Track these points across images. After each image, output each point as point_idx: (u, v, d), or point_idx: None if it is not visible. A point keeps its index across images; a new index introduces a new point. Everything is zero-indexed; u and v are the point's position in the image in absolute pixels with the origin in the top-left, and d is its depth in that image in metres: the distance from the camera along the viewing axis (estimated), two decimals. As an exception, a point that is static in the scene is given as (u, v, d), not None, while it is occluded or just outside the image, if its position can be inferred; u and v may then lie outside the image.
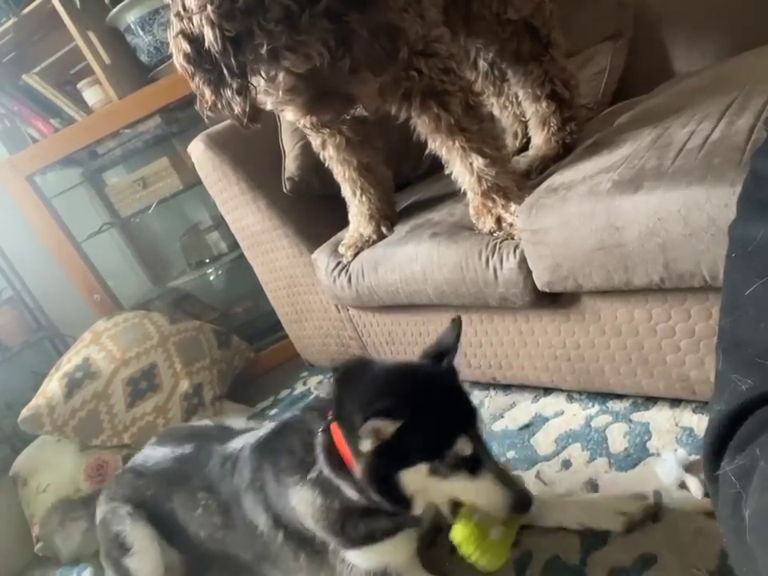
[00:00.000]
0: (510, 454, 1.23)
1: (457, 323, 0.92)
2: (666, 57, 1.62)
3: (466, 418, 0.84)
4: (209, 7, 0.86)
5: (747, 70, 1.23)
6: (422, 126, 1.18)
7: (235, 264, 2.34)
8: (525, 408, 1.35)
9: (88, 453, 1.81)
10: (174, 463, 1.14)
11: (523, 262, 1.10)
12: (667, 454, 1.00)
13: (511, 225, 1.14)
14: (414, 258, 1.29)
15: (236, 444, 1.08)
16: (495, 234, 1.17)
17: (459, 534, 0.87)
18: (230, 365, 2.14)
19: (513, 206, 1.14)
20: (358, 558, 0.93)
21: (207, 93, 0.97)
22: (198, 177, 1.87)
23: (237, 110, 0.97)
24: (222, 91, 0.96)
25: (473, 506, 0.86)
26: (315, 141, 1.39)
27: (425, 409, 0.81)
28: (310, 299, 1.78)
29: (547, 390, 1.35)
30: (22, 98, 2.20)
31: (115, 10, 2.07)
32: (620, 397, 1.22)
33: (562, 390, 1.32)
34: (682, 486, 0.95)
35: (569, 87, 1.35)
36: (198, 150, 1.75)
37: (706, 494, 0.90)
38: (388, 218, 1.46)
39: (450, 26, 1.21)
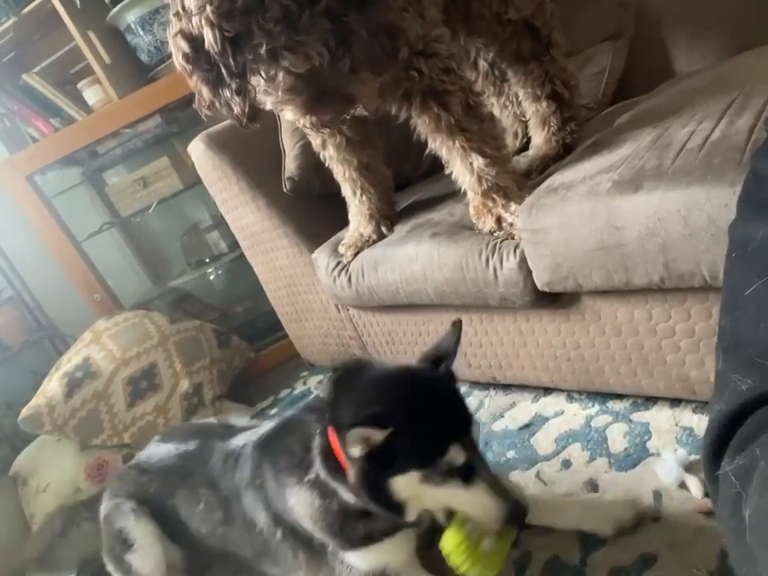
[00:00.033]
0: (510, 454, 1.23)
1: (457, 327, 0.91)
2: (667, 57, 1.62)
3: (461, 426, 0.82)
4: (208, 8, 0.86)
5: (747, 70, 1.23)
6: (422, 125, 1.18)
7: (235, 264, 2.34)
8: (525, 408, 1.35)
9: (88, 452, 1.81)
10: (177, 460, 1.14)
11: (523, 261, 1.10)
12: (667, 454, 1.00)
13: (511, 225, 1.14)
14: (414, 257, 1.29)
15: (238, 441, 1.08)
16: (495, 234, 1.17)
17: (449, 543, 0.85)
18: (230, 364, 2.14)
19: (513, 206, 1.14)
20: (356, 558, 0.93)
21: (205, 92, 0.97)
22: (198, 176, 1.87)
23: (236, 110, 0.97)
24: (220, 91, 0.96)
25: (466, 515, 0.84)
26: (315, 140, 1.39)
27: (417, 416, 0.80)
28: (309, 299, 1.78)
29: (547, 390, 1.35)
30: (22, 97, 2.20)
31: (115, 9, 2.07)
32: (620, 397, 1.22)
33: (561, 390, 1.32)
34: (682, 485, 0.95)
35: (569, 87, 1.35)
36: (198, 149, 1.75)
37: (706, 494, 0.90)
38: (388, 217, 1.46)
39: (450, 25, 1.21)
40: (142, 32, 2.09)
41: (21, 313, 2.34)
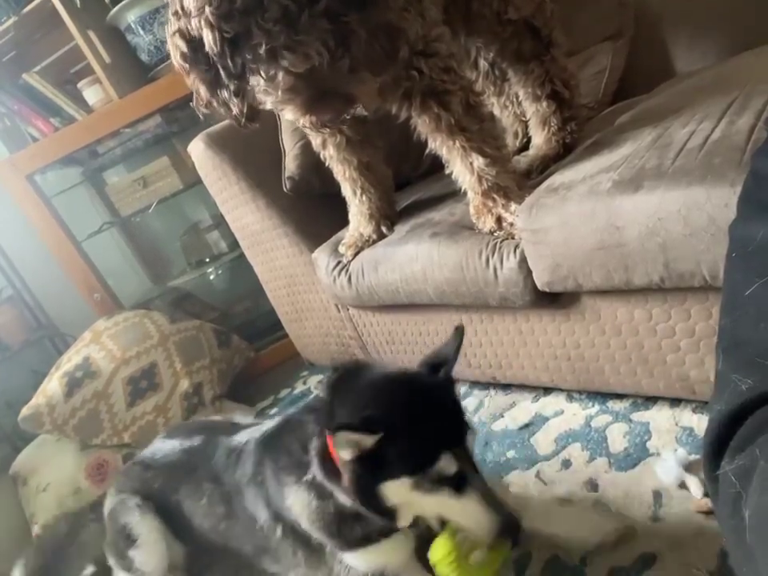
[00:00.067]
0: (510, 454, 1.23)
1: (459, 333, 0.89)
2: (667, 56, 1.62)
3: (455, 435, 0.81)
4: (207, 9, 0.86)
5: (748, 70, 1.23)
6: (422, 125, 1.18)
7: (235, 263, 2.34)
8: (525, 407, 1.35)
9: (88, 452, 1.81)
10: (182, 455, 1.14)
11: (523, 261, 1.10)
12: (667, 454, 1.00)
13: (511, 224, 1.14)
14: (415, 257, 1.29)
15: (241, 437, 1.08)
16: (495, 234, 1.17)
17: (437, 552, 0.83)
18: (230, 364, 2.14)
19: (513, 206, 1.14)
20: (354, 559, 0.93)
21: (202, 91, 0.97)
22: (198, 176, 1.87)
23: (234, 110, 0.98)
24: (218, 92, 0.96)
25: (458, 525, 0.83)
26: (315, 140, 1.39)
27: (409, 422, 0.79)
28: (310, 298, 1.78)
29: (547, 390, 1.35)
30: (22, 97, 2.20)
31: (115, 9, 2.07)
32: (620, 396, 1.22)
33: (561, 390, 1.32)
34: (682, 485, 0.95)
35: (569, 87, 1.35)
36: (198, 149, 1.75)
37: (706, 494, 0.90)
38: (388, 217, 1.46)
39: (451, 25, 1.21)
40: (142, 31, 2.09)
41: (21, 312, 2.34)
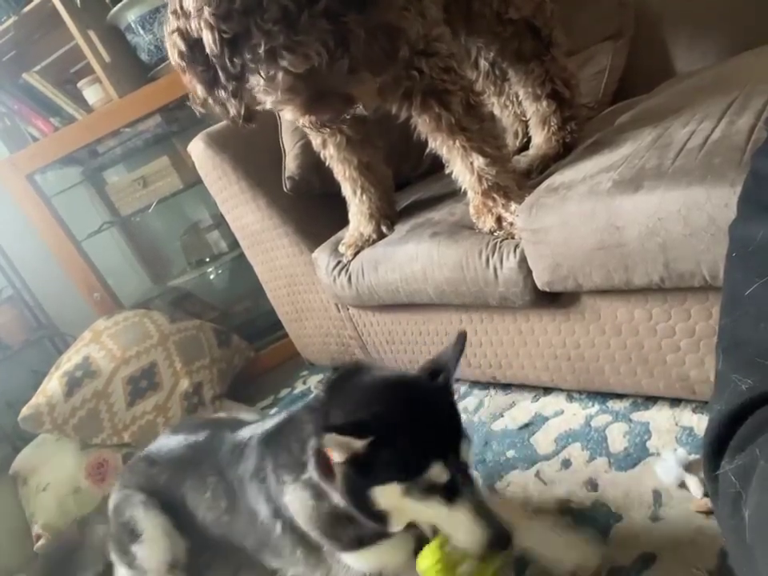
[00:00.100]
0: (510, 454, 1.23)
1: (460, 339, 0.88)
2: (667, 56, 1.62)
3: (449, 443, 0.80)
4: (206, 9, 0.86)
5: (748, 70, 1.23)
6: (422, 125, 1.18)
7: (235, 263, 2.34)
8: (525, 407, 1.35)
9: (88, 451, 1.81)
10: (187, 450, 1.14)
11: (523, 261, 1.10)
12: (667, 454, 1.00)
13: (511, 224, 1.13)
14: (415, 257, 1.29)
15: (245, 433, 1.08)
16: (495, 234, 1.17)
17: (425, 561, 0.82)
18: (230, 364, 2.14)
19: (513, 206, 1.14)
20: (352, 560, 0.93)
21: (199, 90, 0.97)
22: (198, 176, 1.87)
23: (232, 111, 0.98)
24: (216, 92, 0.96)
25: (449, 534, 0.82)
26: (315, 140, 1.39)
27: (402, 428, 0.78)
28: (310, 298, 1.78)
29: (547, 390, 1.35)
30: (22, 96, 2.20)
31: (116, 8, 2.07)
32: (620, 396, 1.22)
33: (561, 390, 1.32)
34: (682, 485, 0.95)
35: (569, 86, 1.35)
36: (198, 149, 1.75)
37: (706, 494, 0.90)
38: (388, 217, 1.46)
39: (451, 24, 1.21)
40: (142, 31, 2.09)
41: (21, 312, 2.34)
